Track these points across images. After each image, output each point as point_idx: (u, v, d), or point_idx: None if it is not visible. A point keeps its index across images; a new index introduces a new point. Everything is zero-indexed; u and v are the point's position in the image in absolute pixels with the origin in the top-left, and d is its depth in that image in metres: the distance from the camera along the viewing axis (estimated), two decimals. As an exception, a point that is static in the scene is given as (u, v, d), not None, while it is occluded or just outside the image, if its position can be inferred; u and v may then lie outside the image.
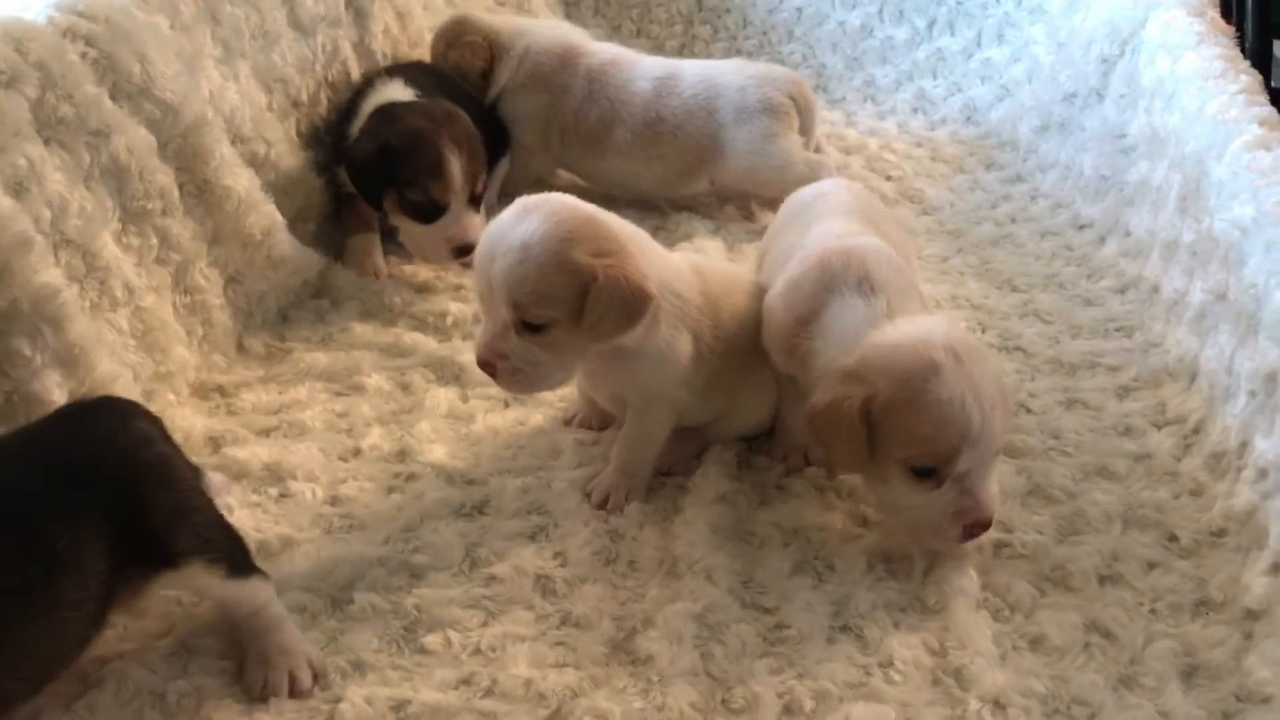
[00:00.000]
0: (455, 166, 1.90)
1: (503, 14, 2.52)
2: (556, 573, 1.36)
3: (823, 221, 1.58)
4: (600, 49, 2.39)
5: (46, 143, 1.49)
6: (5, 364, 1.36)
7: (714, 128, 2.27)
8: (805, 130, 2.31)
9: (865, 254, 1.44)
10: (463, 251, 1.91)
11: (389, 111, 1.95)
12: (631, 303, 1.37)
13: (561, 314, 1.36)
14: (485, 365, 1.41)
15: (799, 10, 2.99)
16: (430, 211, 1.92)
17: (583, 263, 1.35)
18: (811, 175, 2.13)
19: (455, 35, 2.35)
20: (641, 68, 2.34)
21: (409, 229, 1.96)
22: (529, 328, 1.37)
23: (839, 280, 1.41)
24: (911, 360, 1.30)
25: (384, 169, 1.90)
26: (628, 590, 1.34)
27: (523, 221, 1.37)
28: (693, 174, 2.32)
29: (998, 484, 1.39)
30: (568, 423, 1.65)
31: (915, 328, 1.35)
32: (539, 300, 1.35)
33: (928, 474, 1.31)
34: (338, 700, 1.20)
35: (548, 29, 2.43)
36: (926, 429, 1.29)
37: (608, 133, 2.29)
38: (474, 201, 1.95)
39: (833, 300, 1.41)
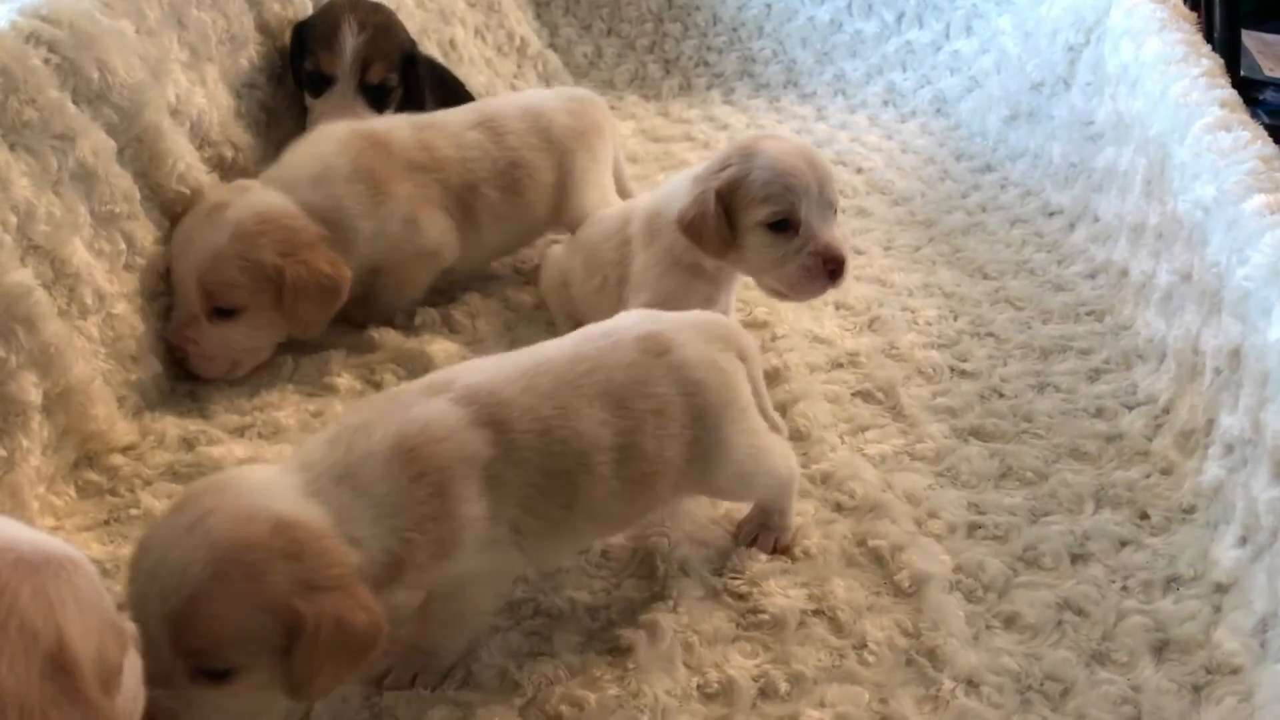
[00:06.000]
0: (348, 41, 1.96)
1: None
2: (530, 563, 1.36)
3: None
4: (400, 124, 1.89)
5: (12, 148, 1.48)
6: (-22, 366, 1.36)
7: (559, 155, 1.94)
8: (616, 155, 2.09)
9: None
10: None
11: None
12: (359, 645, 1.03)
13: (251, 662, 1.01)
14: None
15: (769, 6, 3.00)
16: (318, 82, 2.00)
17: (283, 601, 1.00)
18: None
19: None
20: (455, 119, 1.92)
21: (309, 109, 2.02)
22: (207, 675, 1.01)
23: None
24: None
25: (298, 43, 2.02)
26: (602, 580, 1.35)
27: (192, 530, 1.00)
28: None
29: None
30: None
31: None
32: (220, 650, 1.00)
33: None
34: (313, 697, 1.20)
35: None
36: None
37: (475, 197, 1.86)
38: (367, 92, 2.00)
39: None
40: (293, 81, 2.07)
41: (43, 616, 0.77)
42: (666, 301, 1.53)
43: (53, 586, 0.78)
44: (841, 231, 1.66)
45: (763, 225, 1.57)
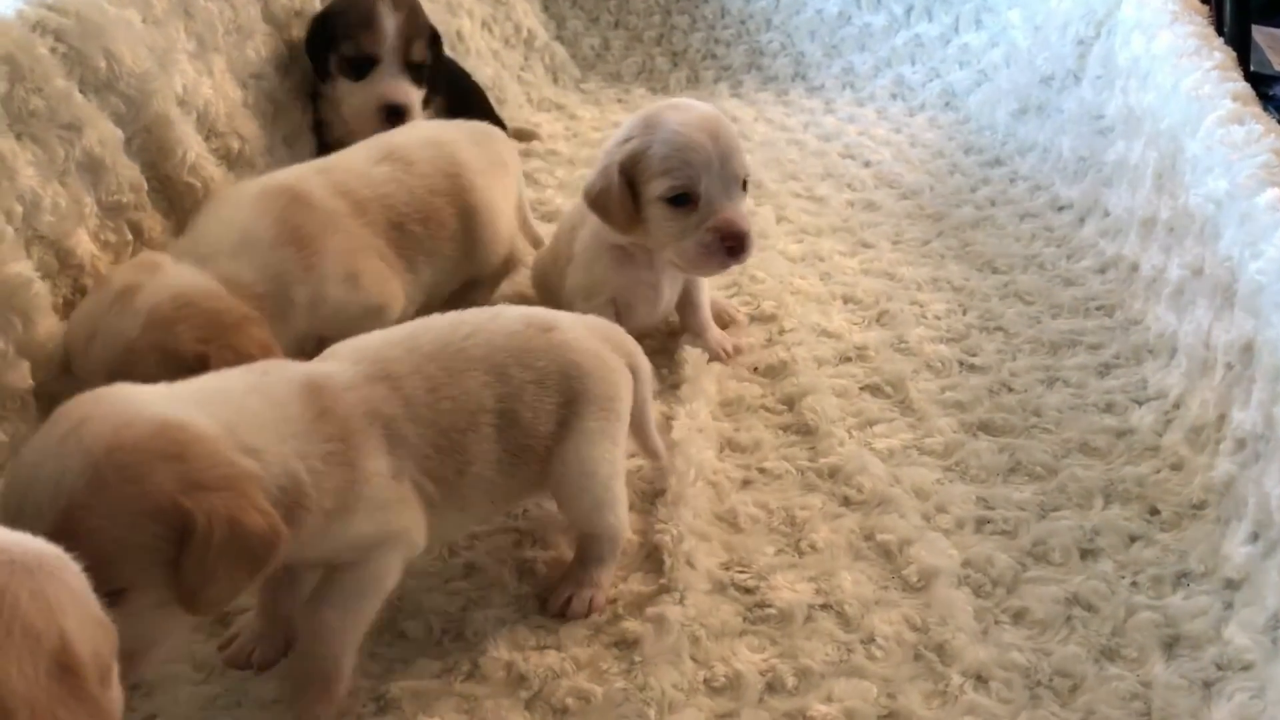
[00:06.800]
0: (388, 20, 1.99)
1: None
2: (537, 555, 1.36)
3: None
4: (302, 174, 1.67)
5: (18, 137, 1.48)
6: (-26, 356, 1.35)
7: (461, 189, 1.75)
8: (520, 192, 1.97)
9: None
10: (392, 113, 1.97)
11: None
12: (255, 549, 0.98)
13: (142, 577, 0.96)
14: None
15: (777, -1, 3.00)
16: (361, 65, 2.01)
17: (169, 502, 0.94)
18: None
19: None
20: (357, 157, 1.72)
21: (346, 95, 2.02)
22: None
23: None
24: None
25: (325, 32, 2.02)
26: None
27: (66, 440, 0.95)
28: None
29: None
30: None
31: None
32: (105, 565, 0.89)
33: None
34: (319, 689, 1.19)
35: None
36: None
37: (403, 235, 1.67)
38: (410, 69, 2.01)
39: None
40: (313, 71, 2.06)
41: (44, 617, 0.77)
42: (597, 287, 1.48)
43: (49, 587, 0.78)
44: (834, 220, 1.61)
45: (662, 199, 1.54)
